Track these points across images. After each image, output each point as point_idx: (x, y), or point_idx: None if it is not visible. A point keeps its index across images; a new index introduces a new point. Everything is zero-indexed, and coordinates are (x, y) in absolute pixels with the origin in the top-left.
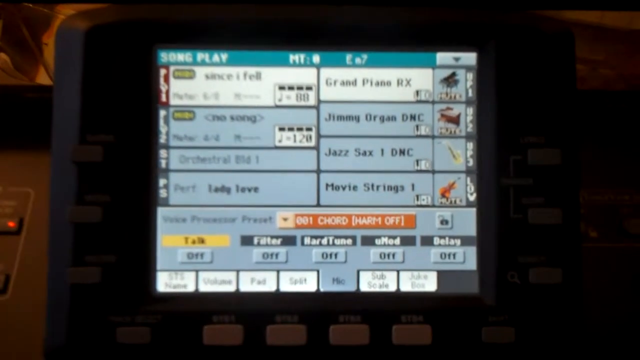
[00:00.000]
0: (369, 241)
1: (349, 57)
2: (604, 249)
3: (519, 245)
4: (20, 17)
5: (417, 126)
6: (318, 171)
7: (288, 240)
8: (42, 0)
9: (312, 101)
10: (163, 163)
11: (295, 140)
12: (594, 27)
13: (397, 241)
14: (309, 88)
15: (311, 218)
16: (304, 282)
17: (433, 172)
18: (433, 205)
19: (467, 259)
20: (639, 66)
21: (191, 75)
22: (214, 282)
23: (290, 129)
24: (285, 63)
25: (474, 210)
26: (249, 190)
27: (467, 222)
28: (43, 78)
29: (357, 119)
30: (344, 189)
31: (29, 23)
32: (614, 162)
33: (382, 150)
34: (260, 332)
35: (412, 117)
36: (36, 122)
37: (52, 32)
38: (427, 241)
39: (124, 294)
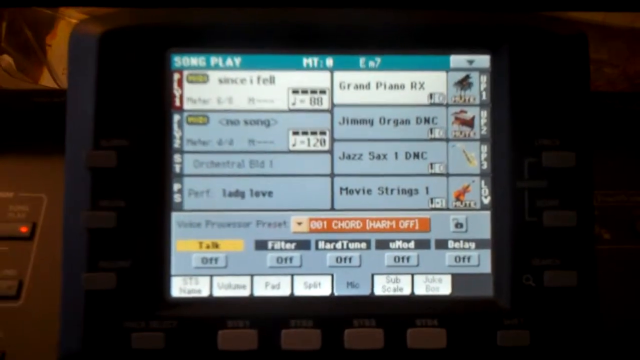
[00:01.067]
0: (383, 245)
1: (362, 60)
2: (618, 250)
3: (533, 248)
4: (24, 19)
5: (431, 129)
6: (332, 175)
7: (302, 245)
8: (46, 3)
9: (325, 105)
10: (177, 168)
11: (309, 144)
12: (597, 27)
13: (412, 245)
14: (322, 92)
15: (325, 222)
16: (318, 287)
17: (447, 175)
18: (447, 209)
19: (482, 262)
20: None
21: (205, 80)
22: (228, 287)
23: (304, 133)
24: (298, 67)
25: (488, 213)
26: (263, 194)
27: (482, 225)
28: (47, 80)
29: (371, 122)
30: (358, 192)
31: (33, 25)
32: (627, 163)
33: (396, 154)
34: (275, 337)
35: (426, 120)
36: (48, 126)
37: (56, 34)
38: (442, 244)
39: (139, 300)
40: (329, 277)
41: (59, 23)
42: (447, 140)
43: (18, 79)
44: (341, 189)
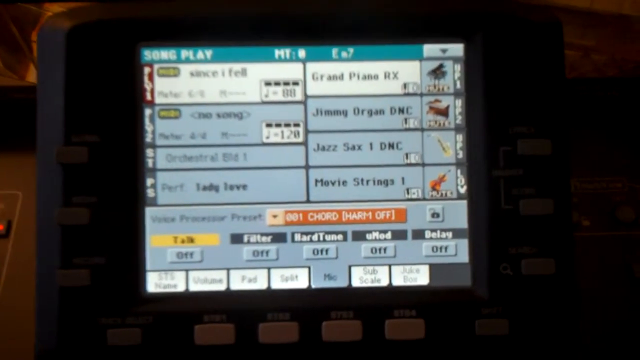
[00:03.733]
0: (359, 236)
1: (335, 51)
2: (597, 237)
3: (510, 237)
4: (9, 16)
5: (405, 119)
6: (307, 167)
7: (278, 238)
8: (32, 0)
9: (299, 96)
10: (150, 162)
11: (283, 137)
12: (584, 13)
13: (389, 235)
14: (295, 83)
15: (301, 214)
16: (295, 279)
17: (423, 165)
18: (424, 199)
19: (459, 251)
20: (630, 51)
21: (176, 73)
22: (205, 282)
23: (278, 125)
24: (270, 58)
25: (464, 202)
26: (238, 188)
27: (458, 214)
28: (33, 76)
29: (345, 113)
30: (333, 184)
31: (18, 21)
32: (606, 150)
33: (371, 145)
34: (252, 331)
35: (401, 110)
36: (23, 123)
37: None
38: (419, 235)
39: (114, 296)
40: (306, 270)
41: (44, 19)
42: (422, 130)
43: (4, 76)
44: (316, 180)
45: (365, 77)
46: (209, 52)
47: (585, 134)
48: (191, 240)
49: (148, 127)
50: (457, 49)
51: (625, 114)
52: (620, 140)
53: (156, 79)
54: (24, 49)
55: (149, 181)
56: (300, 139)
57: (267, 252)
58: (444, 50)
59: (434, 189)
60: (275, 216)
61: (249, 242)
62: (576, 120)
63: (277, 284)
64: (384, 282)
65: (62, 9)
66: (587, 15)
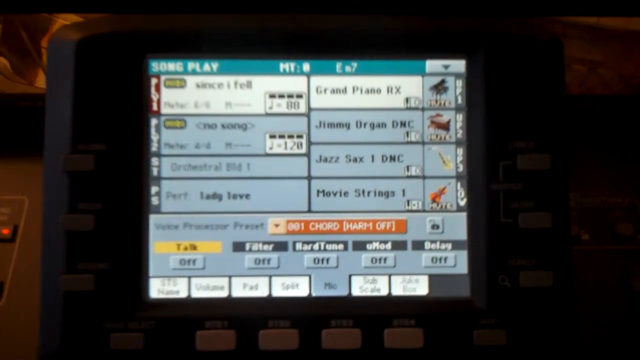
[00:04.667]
0: (360, 246)
1: (339, 65)
2: (596, 251)
3: (509, 249)
4: (20, 22)
5: (407, 133)
6: (309, 178)
7: (280, 246)
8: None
9: (302, 109)
10: (155, 171)
11: (286, 148)
12: (591, 28)
13: (389, 246)
14: (299, 96)
15: (302, 224)
16: (296, 287)
17: (423, 177)
18: (424, 210)
19: (458, 262)
20: (636, 66)
21: (182, 85)
22: (207, 288)
23: (281, 137)
24: (275, 71)
25: (464, 214)
26: (241, 197)
27: (458, 226)
28: (42, 82)
29: (348, 126)
30: (335, 195)
31: (28, 28)
32: (606, 165)
33: (373, 157)
34: (253, 337)
35: (402, 124)
36: (31, 130)
37: None
38: (419, 246)
39: (117, 301)
40: (307, 278)
41: (54, 26)
42: (423, 143)
43: (14, 81)
44: (318, 191)
45: (368, 91)
46: (215, 65)
47: (586, 149)
48: (194, 247)
49: (154, 136)
50: (459, 65)
51: (625, 129)
52: (621, 156)
53: (163, 89)
54: (34, 55)
55: (154, 189)
56: (303, 150)
57: (268, 260)
58: (446, 66)
59: (434, 201)
60: (277, 225)
61: (250, 250)
62: (577, 136)
63: (278, 291)
64: (384, 292)
65: (73, 15)
66: (594, 30)
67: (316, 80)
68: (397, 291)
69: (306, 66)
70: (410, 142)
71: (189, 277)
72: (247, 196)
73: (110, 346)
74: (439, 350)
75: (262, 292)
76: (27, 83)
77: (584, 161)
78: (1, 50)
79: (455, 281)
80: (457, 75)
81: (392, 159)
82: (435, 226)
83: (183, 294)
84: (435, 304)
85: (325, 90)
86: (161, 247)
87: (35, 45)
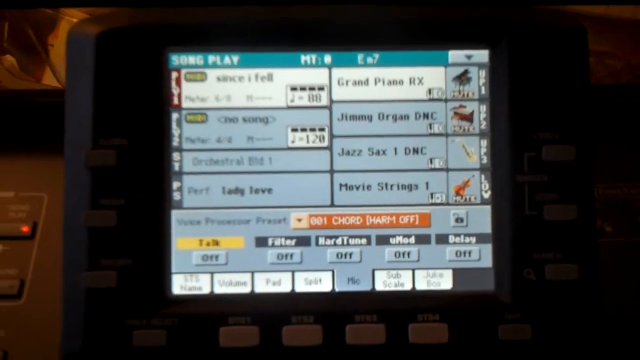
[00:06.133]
0: (384, 240)
1: (360, 57)
2: (620, 243)
3: (534, 242)
4: (26, 20)
5: (430, 125)
6: (332, 171)
7: (303, 241)
8: (49, 4)
9: (324, 102)
10: (176, 166)
11: (308, 141)
12: (599, 19)
13: (412, 240)
14: (321, 89)
15: (325, 218)
16: (319, 283)
17: (447, 170)
18: (448, 204)
19: (483, 256)
20: None
21: (203, 78)
22: (230, 284)
23: (303, 130)
24: (297, 64)
25: (489, 207)
26: (263, 191)
27: (482, 219)
28: (49, 79)
29: (370, 118)
30: (358, 189)
31: (35, 25)
32: (629, 156)
33: (396, 150)
34: (277, 334)
35: (426, 116)
36: (48, 126)
37: (58, 34)
38: (443, 239)
39: (140, 298)
40: (330, 274)
41: (61, 23)
42: (447, 135)
43: (21, 79)
44: (341, 185)
45: (390, 83)
46: (236, 58)
47: (608, 140)
48: (216, 243)
49: (175, 131)
50: (482, 55)
51: None
52: None
53: (184, 83)
54: (41, 52)
55: (176, 184)
56: (326, 144)
57: (291, 256)
58: (469, 57)
59: (458, 194)
60: (300, 220)
61: (273, 245)
62: (599, 127)
63: (302, 287)
64: (408, 287)
65: (79, 12)
66: (603, 21)
67: (338, 73)
68: (422, 286)
69: (328, 58)
70: (434, 135)
71: (212, 274)
72: (270, 191)
73: (133, 343)
74: (464, 345)
75: (285, 287)
76: (34, 81)
77: (607, 152)
78: (8, 48)
79: (480, 275)
80: (480, 66)
81: (416, 151)
82: (459, 219)
83: (206, 290)
84: (460, 299)
85: (347, 83)
86: (184, 243)
87: (43, 43)
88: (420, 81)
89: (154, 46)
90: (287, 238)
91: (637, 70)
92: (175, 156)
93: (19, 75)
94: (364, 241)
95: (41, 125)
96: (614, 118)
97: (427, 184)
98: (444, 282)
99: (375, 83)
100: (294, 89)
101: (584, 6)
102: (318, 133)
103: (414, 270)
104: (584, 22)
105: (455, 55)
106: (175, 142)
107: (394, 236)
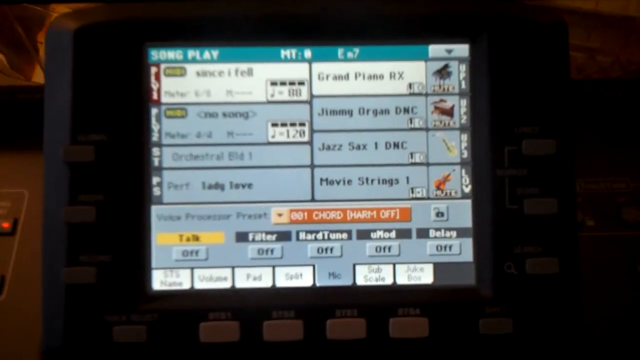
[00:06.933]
0: (364, 235)
1: (340, 51)
2: (601, 237)
3: (515, 236)
4: (14, 17)
5: (410, 119)
6: (312, 166)
7: (283, 236)
8: (37, 0)
9: (304, 96)
10: (156, 161)
11: (288, 136)
12: (589, 15)
13: (393, 234)
14: (301, 83)
15: (306, 213)
16: (299, 277)
17: (427, 164)
18: (428, 198)
19: (464, 250)
20: (635, 52)
21: (182, 73)
22: (210, 279)
23: (283, 125)
24: (276, 59)
25: (469, 201)
26: (243, 186)
27: (463, 213)
28: (39, 77)
29: (350, 113)
30: (338, 183)
31: (24, 22)
32: (611, 150)
33: (376, 144)
34: (257, 328)
35: (406, 110)
36: (30, 122)
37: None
38: (423, 234)
39: (120, 293)
40: (311, 268)
41: (49, 20)
42: (427, 129)
43: (10, 76)
44: (321, 179)
45: (370, 77)
46: (215, 52)
47: (590, 134)
48: (196, 238)
49: (154, 126)
50: (462, 49)
51: (630, 114)
52: (625, 141)
53: (163, 78)
54: (30, 49)
55: (155, 180)
56: (306, 139)
57: (272, 251)
58: (449, 51)
59: (438, 188)
60: (280, 215)
61: (254, 240)
62: (581, 121)
63: (282, 282)
64: (389, 281)
65: (68, 9)
66: (592, 16)
67: (318, 67)
68: (402, 280)
69: (307, 53)
70: (414, 129)
71: (192, 269)
72: (250, 186)
73: (113, 339)
74: (444, 339)
75: (265, 282)
76: (24, 78)
77: (589, 146)
78: None
79: (461, 269)
80: (460, 60)
81: (396, 146)
82: (439, 214)
83: (186, 286)
84: (441, 293)
85: (327, 77)
86: (163, 238)
87: (32, 40)
88: (401, 75)
89: (132, 41)
90: (267, 233)
91: (626, 66)
92: (155, 151)
93: (8, 72)
94: (345, 235)
95: (22, 121)
96: (597, 112)
97: (407, 178)
98: (425, 276)
99: (356, 77)
100: (273, 83)
101: (573, 2)
102: (298, 128)
103: (394, 265)
104: (575, 18)
105: (435, 49)
106: (155, 137)
107: (374, 230)
